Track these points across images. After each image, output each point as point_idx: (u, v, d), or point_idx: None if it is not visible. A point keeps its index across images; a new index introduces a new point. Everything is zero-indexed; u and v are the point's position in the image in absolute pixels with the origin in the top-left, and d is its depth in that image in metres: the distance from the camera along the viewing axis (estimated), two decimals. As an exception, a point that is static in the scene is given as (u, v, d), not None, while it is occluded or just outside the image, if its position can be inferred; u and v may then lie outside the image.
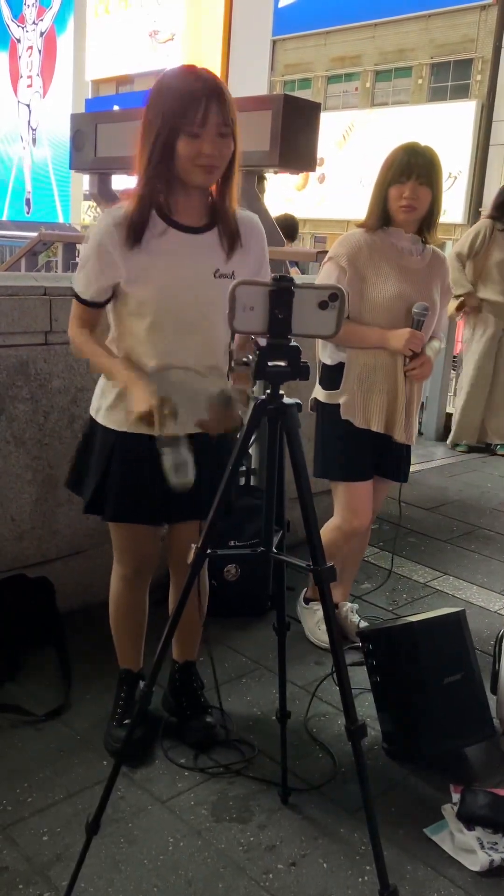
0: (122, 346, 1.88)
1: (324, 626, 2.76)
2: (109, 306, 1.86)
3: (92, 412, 1.98)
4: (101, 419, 1.93)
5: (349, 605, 2.86)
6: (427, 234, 2.50)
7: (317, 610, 2.80)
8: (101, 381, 1.95)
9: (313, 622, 2.78)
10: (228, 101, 1.69)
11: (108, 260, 1.76)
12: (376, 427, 2.50)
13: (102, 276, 1.79)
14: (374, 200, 2.45)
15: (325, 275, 2.47)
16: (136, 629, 2.19)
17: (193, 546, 1.58)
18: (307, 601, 2.87)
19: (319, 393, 2.59)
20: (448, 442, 5.50)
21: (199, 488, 1.84)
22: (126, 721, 2.14)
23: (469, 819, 1.93)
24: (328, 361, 2.55)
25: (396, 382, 2.48)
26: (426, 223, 2.48)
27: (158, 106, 1.68)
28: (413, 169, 2.36)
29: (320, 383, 2.60)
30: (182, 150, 1.68)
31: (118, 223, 1.74)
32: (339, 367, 2.51)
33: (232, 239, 1.83)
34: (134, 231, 1.74)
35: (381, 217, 2.45)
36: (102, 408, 1.93)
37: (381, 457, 2.59)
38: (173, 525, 2.09)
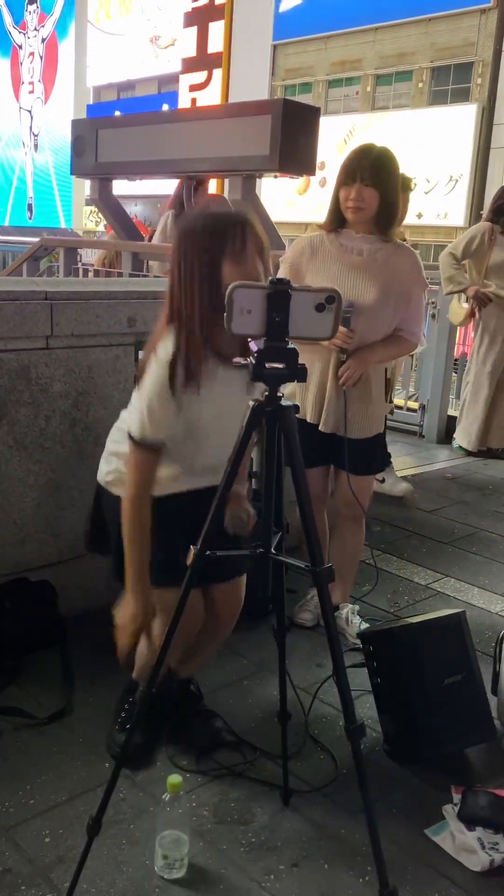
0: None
1: (304, 607, 2.86)
2: None
3: (101, 480, 1.98)
4: (114, 490, 1.92)
5: (350, 606, 2.87)
6: (384, 232, 2.54)
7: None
8: (118, 447, 1.93)
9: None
10: (257, 226, 1.75)
11: (172, 402, 1.75)
12: (310, 418, 2.63)
13: (167, 418, 1.77)
14: (331, 202, 2.54)
15: (280, 274, 2.54)
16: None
17: (192, 547, 1.59)
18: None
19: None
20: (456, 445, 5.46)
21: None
22: (128, 726, 2.11)
23: (470, 820, 1.93)
24: None
25: (327, 378, 2.59)
26: (381, 222, 2.51)
27: (195, 245, 1.71)
28: (358, 171, 2.44)
29: None
30: (229, 275, 1.67)
31: (174, 367, 1.73)
32: None
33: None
34: (191, 376, 1.73)
35: (337, 218, 2.54)
36: (112, 477, 1.93)
37: (331, 449, 2.67)
38: (215, 586, 2.06)
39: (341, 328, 2.43)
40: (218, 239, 1.69)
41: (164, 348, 1.75)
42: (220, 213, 1.78)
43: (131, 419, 1.81)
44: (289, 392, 2.58)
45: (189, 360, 1.73)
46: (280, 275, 2.47)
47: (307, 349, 2.47)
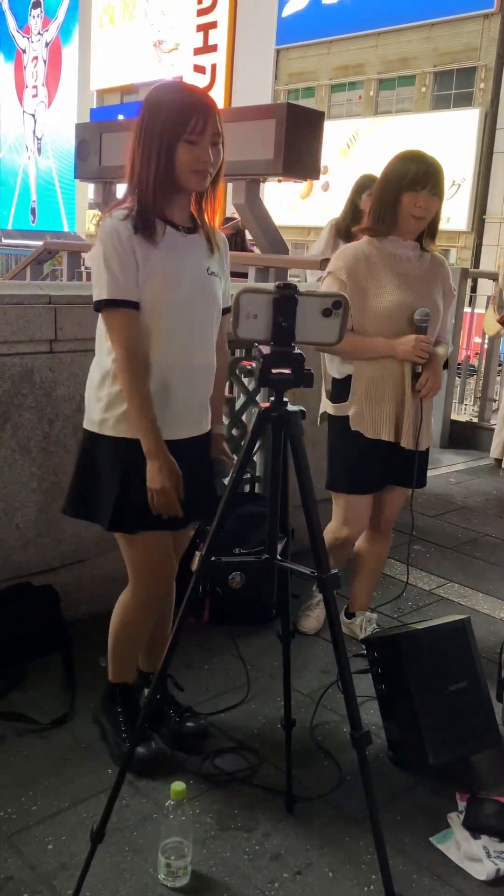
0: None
1: (309, 613, 2.83)
2: None
3: (92, 428, 1.92)
4: (109, 431, 1.89)
5: (367, 614, 2.87)
6: (428, 242, 2.51)
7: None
8: (103, 391, 1.89)
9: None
10: (219, 115, 1.83)
11: (130, 250, 1.79)
12: (386, 436, 2.51)
13: (129, 269, 1.79)
14: (384, 207, 2.43)
15: (326, 288, 2.47)
16: (140, 647, 2.17)
17: (198, 553, 1.58)
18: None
19: (328, 406, 2.61)
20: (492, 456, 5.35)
21: (200, 490, 1.95)
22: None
23: (475, 828, 1.92)
24: (336, 375, 2.56)
25: (403, 391, 2.49)
26: (428, 232, 2.49)
27: (158, 116, 1.78)
28: (429, 179, 2.38)
29: (329, 398, 2.61)
30: (182, 157, 1.79)
31: (124, 222, 1.80)
32: (348, 379, 2.52)
33: (210, 239, 1.94)
34: (142, 228, 1.80)
35: (389, 223, 2.45)
36: (111, 419, 1.88)
37: (394, 465, 2.58)
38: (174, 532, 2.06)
39: (420, 337, 2.40)
40: (181, 118, 1.76)
41: (116, 210, 1.83)
42: (189, 93, 1.83)
43: (95, 287, 1.82)
44: (354, 413, 2.50)
45: (142, 214, 1.80)
46: (333, 286, 2.43)
47: (377, 366, 2.47)
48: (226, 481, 1.91)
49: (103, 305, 1.80)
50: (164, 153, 1.78)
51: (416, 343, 2.40)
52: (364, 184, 4.07)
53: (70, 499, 2.01)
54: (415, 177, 2.37)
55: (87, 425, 1.94)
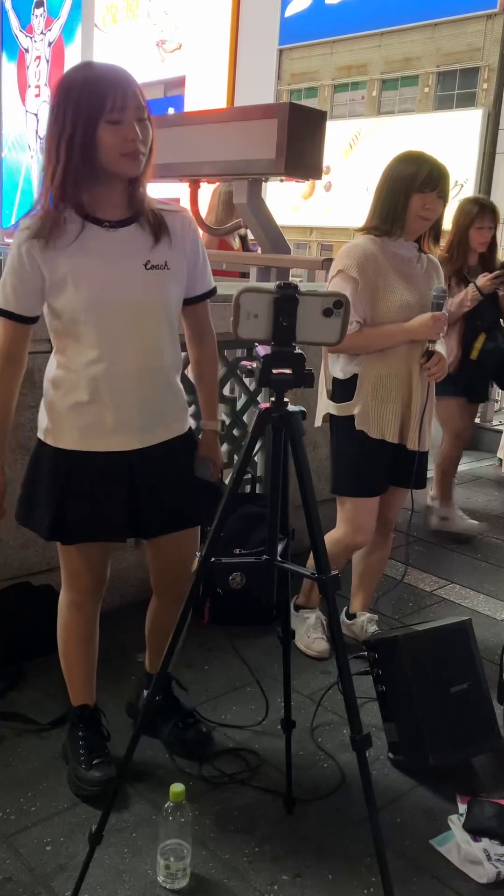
0: (66, 359, 1.79)
1: (313, 635, 2.75)
2: (48, 324, 1.79)
3: (39, 435, 1.88)
4: (49, 440, 1.83)
5: (368, 615, 2.85)
6: (430, 244, 2.51)
7: (307, 618, 2.79)
8: (46, 398, 1.84)
9: (303, 630, 2.76)
10: (138, 87, 1.64)
11: (30, 264, 1.68)
12: (391, 437, 2.49)
13: (27, 283, 1.70)
14: (391, 206, 2.41)
15: (336, 287, 2.44)
16: (90, 660, 2.09)
17: (198, 554, 1.58)
18: (297, 608, 2.86)
19: (331, 407, 2.57)
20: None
21: (169, 499, 1.89)
22: (95, 761, 1.98)
23: (476, 830, 1.91)
24: (340, 375, 2.53)
25: (410, 391, 2.48)
26: (432, 234, 2.49)
27: (69, 101, 1.60)
28: (439, 181, 2.38)
29: (331, 398, 2.58)
30: (106, 140, 1.61)
31: (33, 227, 1.67)
32: (352, 379, 2.50)
33: (156, 227, 1.75)
34: (50, 231, 1.65)
35: (399, 225, 2.43)
36: (50, 428, 1.83)
37: (396, 466, 2.57)
38: (152, 541, 1.99)
39: (437, 314, 2.38)
40: (96, 97, 1.58)
41: (27, 218, 1.70)
42: (101, 68, 1.65)
43: None
44: (359, 412, 2.48)
45: (47, 216, 1.66)
46: (345, 284, 2.39)
47: (384, 365, 2.45)
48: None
49: None
50: (80, 140, 1.59)
51: (434, 321, 2.39)
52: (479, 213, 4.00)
53: (20, 503, 1.96)
54: (426, 178, 2.36)
55: (38, 432, 1.91)
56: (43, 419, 1.86)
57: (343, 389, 2.53)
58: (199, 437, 2.02)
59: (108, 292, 1.72)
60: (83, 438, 1.80)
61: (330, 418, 2.61)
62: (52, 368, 1.83)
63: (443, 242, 3.74)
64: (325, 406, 2.62)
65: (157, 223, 1.75)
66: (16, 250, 1.69)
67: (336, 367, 2.55)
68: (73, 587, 2.02)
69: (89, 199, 1.70)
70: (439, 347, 2.51)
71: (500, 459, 5.25)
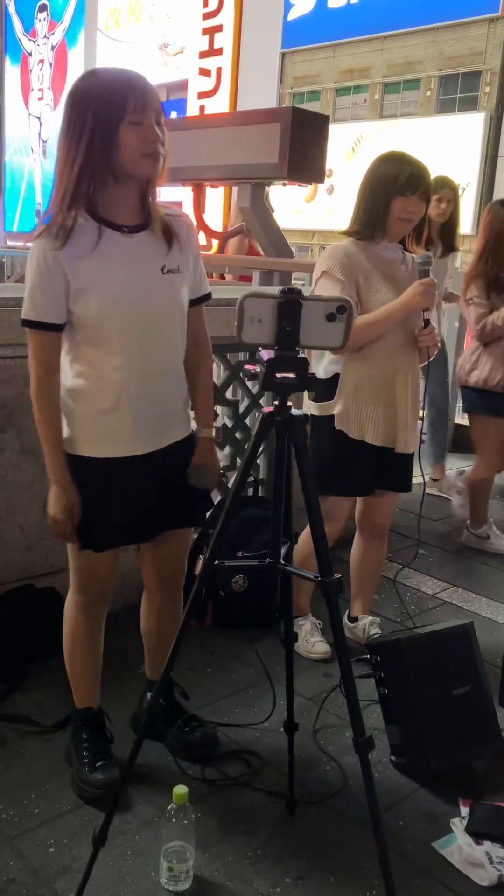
0: (86, 368, 1.78)
1: (312, 639, 2.75)
2: (66, 335, 1.78)
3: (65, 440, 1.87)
4: (72, 450, 1.83)
5: (370, 618, 2.86)
6: (413, 244, 2.50)
7: (302, 625, 2.79)
8: (65, 408, 1.83)
9: (301, 636, 2.76)
10: (155, 91, 1.67)
11: (56, 270, 1.67)
12: (371, 439, 2.49)
13: (54, 290, 1.69)
14: (373, 210, 2.41)
15: (322, 289, 2.43)
16: (95, 663, 2.10)
17: (202, 557, 1.59)
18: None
19: (312, 407, 2.56)
20: None
21: (172, 499, 1.92)
22: (98, 763, 1.99)
23: (478, 833, 1.91)
24: (322, 375, 2.52)
25: (395, 393, 2.47)
26: (415, 234, 2.48)
27: (88, 104, 1.62)
28: (420, 183, 2.36)
29: (313, 398, 2.57)
30: (127, 141, 1.62)
31: (53, 236, 1.66)
32: (334, 379, 2.50)
33: (167, 234, 1.77)
34: (68, 235, 1.65)
35: (380, 229, 2.43)
36: (73, 438, 1.83)
37: (381, 469, 2.57)
38: (150, 542, 2.02)
39: (425, 281, 2.36)
40: (117, 100, 1.60)
41: (46, 220, 1.69)
42: (121, 72, 1.67)
43: (23, 304, 1.73)
44: (339, 412, 2.47)
45: (65, 222, 1.65)
46: (331, 286, 2.39)
47: (365, 366, 2.44)
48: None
49: (22, 324, 1.74)
50: (101, 141, 1.60)
51: (424, 288, 2.36)
52: (433, 187, 4.04)
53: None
54: (407, 181, 2.35)
55: None
56: (63, 429, 1.84)
57: (324, 389, 2.52)
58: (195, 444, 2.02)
59: (132, 298, 1.73)
60: (105, 445, 1.82)
61: (311, 418, 2.59)
62: (68, 378, 1.80)
63: (465, 247, 3.73)
64: (307, 406, 2.61)
65: (167, 228, 1.77)
66: (39, 258, 1.67)
67: (318, 366, 2.55)
68: (85, 590, 2.01)
69: (104, 204, 1.70)
70: (434, 321, 2.48)
71: None
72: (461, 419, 5.98)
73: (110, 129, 1.61)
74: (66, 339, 1.79)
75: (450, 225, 4.14)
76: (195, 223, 2.17)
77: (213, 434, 2.02)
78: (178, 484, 1.93)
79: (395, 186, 2.36)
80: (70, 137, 1.64)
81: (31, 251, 1.70)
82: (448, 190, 4.05)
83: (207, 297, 1.95)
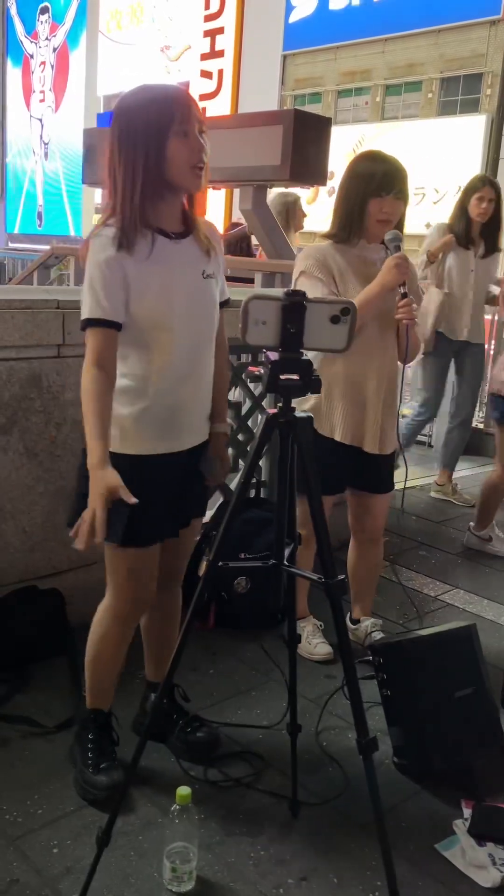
0: (130, 368, 1.82)
1: (314, 640, 2.76)
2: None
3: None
4: (115, 448, 1.81)
5: (371, 619, 2.86)
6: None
7: (303, 627, 2.79)
8: None
9: (303, 639, 2.76)
10: (196, 104, 1.76)
11: (119, 273, 1.73)
12: (340, 437, 2.49)
13: (115, 291, 1.74)
14: (349, 213, 2.41)
15: (302, 287, 2.41)
16: (118, 668, 2.09)
17: (205, 559, 1.59)
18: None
19: None
20: None
21: (195, 493, 1.99)
22: (103, 765, 2.01)
23: (481, 835, 1.91)
24: None
25: (366, 393, 2.48)
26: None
27: (138, 118, 1.70)
28: (395, 183, 2.35)
29: None
30: (175, 152, 1.70)
31: (113, 239, 1.73)
32: None
33: (206, 242, 1.87)
34: (133, 243, 1.73)
35: (357, 231, 2.42)
36: (116, 436, 1.83)
37: (360, 470, 2.57)
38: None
39: (398, 256, 2.34)
40: (164, 112, 1.69)
41: (103, 227, 1.75)
42: (164, 88, 1.76)
43: (82, 307, 1.77)
44: (309, 408, 2.46)
45: (127, 230, 1.72)
46: (312, 285, 2.38)
47: (336, 364, 2.43)
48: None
49: (84, 325, 1.77)
50: (153, 155, 1.69)
51: (395, 263, 2.34)
52: (474, 185, 4.05)
53: (72, 516, 1.93)
54: (380, 182, 2.35)
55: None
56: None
57: None
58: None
59: (182, 301, 1.81)
60: (148, 442, 1.86)
61: None
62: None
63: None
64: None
65: (206, 238, 1.87)
66: (101, 260, 1.73)
67: None
68: (126, 598, 1.98)
69: (154, 212, 1.77)
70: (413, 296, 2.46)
71: None
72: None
73: (159, 142, 1.69)
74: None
75: (493, 224, 4.11)
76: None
77: (228, 430, 2.09)
78: (193, 479, 1.99)
79: (370, 187, 2.36)
80: (125, 151, 1.72)
81: (91, 254, 1.76)
82: (489, 189, 4.02)
83: (228, 302, 2.02)
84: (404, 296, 2.39)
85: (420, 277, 4.11)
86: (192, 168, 1.72)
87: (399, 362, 2.55)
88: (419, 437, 5.88)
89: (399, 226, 2.45)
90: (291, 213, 5.10)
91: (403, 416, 4.59)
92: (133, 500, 1.65)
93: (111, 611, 2.01)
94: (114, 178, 1.74)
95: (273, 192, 4.60)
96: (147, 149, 1.69)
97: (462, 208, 4.11)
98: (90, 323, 1.76)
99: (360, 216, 2.39)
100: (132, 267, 1.74)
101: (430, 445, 5.84)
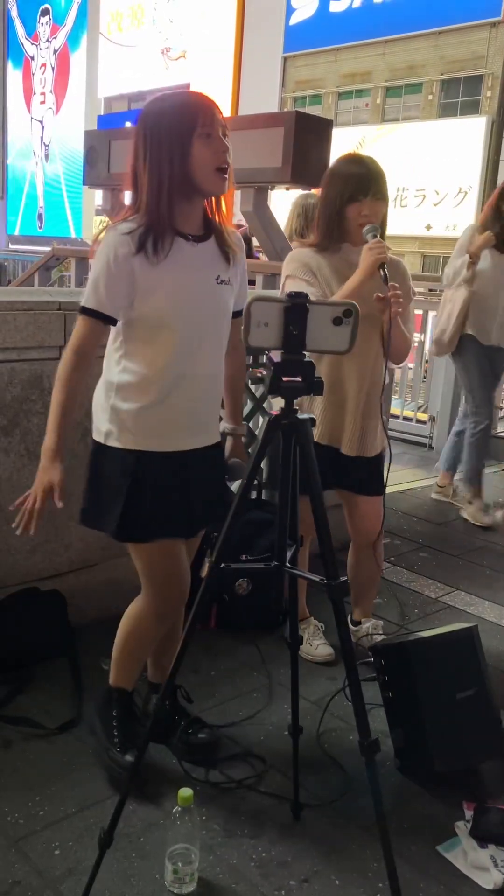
0: (137, 365, 1.85)
1: (315, 642, 2.76)
2: (118, 331, 1.86)
3: (99, 438, 1.93)
4: (114, 442, 1.89)
5: (373, 621, 2.86)
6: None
7: (304, 628, 2.79)
8: (109, 403, 1.90)
9: (304, 640, 2.76)
10: (219, 108, 1.78)
11: (125, 269, 1.75)
12: (317, 436, 2.49)
13: (120, 287, 1.77)
14: (329, 219, 2.40)
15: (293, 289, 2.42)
16: (146, 655, 2.15)
17: (207, 560, 1.59)
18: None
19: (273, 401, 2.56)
20: None
21: (212, 499, 1.96)
22: (129, 744, 2.06)
23: (482, 837, 1.92)
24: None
25: (344, 395, 2.48)
26: (380, 234, 2.44)
27: (163, 120, 1.74)
28: (370, 185, 2.34)
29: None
30: (199, 154, 1.73)
31: (129, 235, 1.75)
32: None
33: (227, 248, 1.88)
34: (152, 244, 1.75)
35: (338, 236, 2.41)
36: (115, 431, 1.89)
37: (344, 472, 2.57)
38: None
39: (370, 243, 2.32)
40: (189, 115, 1.72)
41: (122, 223, 1.78)
42: (189, 93, 1.79)
43: (84, 292, 1.82)
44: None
45: (153, 230, 1.75)
46: (298, 289, 2.41)
47: (327, 360, 2.41)
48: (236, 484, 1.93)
49: (79, 311, 1.83)
50: (178, 156, 1.72)
51: (370, 246, 2.31)
52: None
53: (82, 509, 2.02)
54: (355, 187, 2.34)
55: (94, 436, 1.95)
56: (103, 424, 1.92)
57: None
58: (227, 441, 2.12)
59: (191, 302, 1.83)
60: (151, 439, 1.88)
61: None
62: (114, 374, 1.88)
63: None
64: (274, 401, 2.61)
65: (227, 244, 1.88)
66: (112, 255, 1.75)
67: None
68: (164, 594, 2.01)
69: (177, 214, 1.79)
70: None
71: None
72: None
73: (185, 144, 1.72)
74: (118, 336, 1.87)
75: None
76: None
77: (244, 431, 2.12)
78: (208, 485, 1.98)
79: (345, 193, 2.35)
80: (151, 152, 1.74)
81: (103, 246, 1.78)
82: None
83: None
84: (385, 280, 2.33)
85: (464, 279, 4.11)
86: (216, 170, 1.75)
87: (392, 363, 2.54)
88: (419, 439, 5.90)
89: (382, 224, 2.42)
90: (311, 215, 5.10)
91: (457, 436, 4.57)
92: (60, 504, 1.78)
93: (149, 611, 2.04)
94: (138, 178, 1.77)
95: (295, 194, 4.58)
96: (172, 151, 1.72)
97: (497, 210, 4.05)
98: (83, 310, 1.82)
99: (340, 222, 2.39)
100: (144, 266, 1.76)
101: (430, 447, 5.84)
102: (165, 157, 1.73)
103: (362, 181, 2.34)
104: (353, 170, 2.37)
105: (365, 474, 2.61)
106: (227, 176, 1.78)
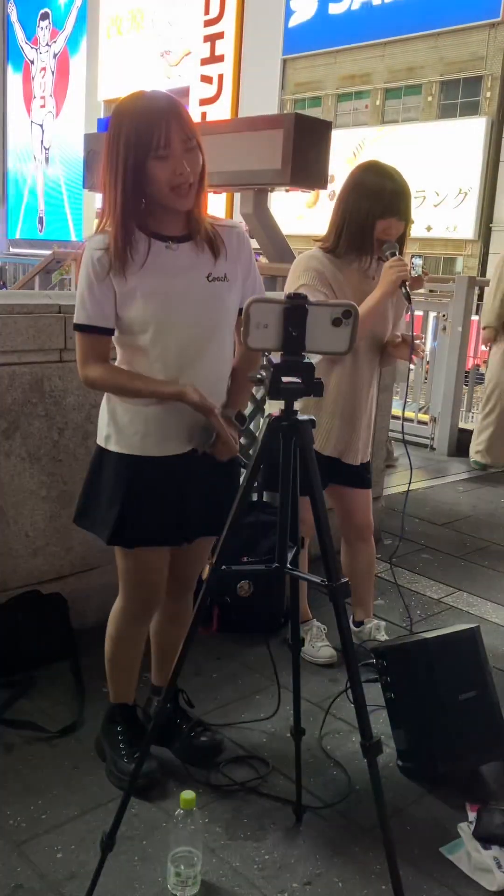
0: (132, 370, 1.86)
1: (317, 643, 2.76)
2: (115, 337, 1.86)
3: (100, 442, 1.93)
4: (112, 446, 1.89)
5: (375, 621, 2.86)
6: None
7: (307, 630, 2.79)
8: (108, 406, 1.91)
9: (306, 641, 2.76)
10: (185, 116, 1.72)
11: (105, 282, 1.76)
12: (319, 448, 2.50)
13: (103, 296, 1.78)
14: (354, 232, 2.39)
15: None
16: (136, 663, 2.13)
17: (208, 563, 1.59)
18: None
19: (273, 405, 2.56)
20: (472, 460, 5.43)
21: (211, 505, 1.91)
22: (136, 754, 2.01)
23: (486, 838, 1.91)
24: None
25: (358, 410, 2.52)
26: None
27: (120, 136, 1.70)
28: (401, 205, 2.37)
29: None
30: (156, 174, 1.70)
31: (103, 249, 1.75)
32: None
33: (212, 245, 1.84)
34: (124, 254, 1.74)
35: (360, 248, 2.41)
36: (113, 435, 1.88)
37: (334, 470, 2.59)
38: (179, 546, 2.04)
39: (393, 260, 2.36)
40: (143, 139, 1.67)
41: (99, 233, 1.78)
42: (148, 102, 1.71)
43: (77, 310, 1.83)
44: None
45: (118, 237, 1.74)
46: (305, 290, 2.40)
47: (340, 374, 2.44)
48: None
49: (74, 329, 1.84)
50: (131, 175, 1.70)
51: (391, 264, 2.35)
52: None
53: (77, 508, 2.03)
54: (388, 204, 2.35)
55: (97, 439, 1.95)
56: (104, 427, 1.92)
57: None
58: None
59: (177, 304, 1.80)
60: (146, 444, 1.87)
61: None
62: None
63: (467, 251, 3.77)
64: (271, 404, 2.60)
65: (212, 239, 1.84)
66: (90, 269, 1.77)
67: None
68: (134, 598, 2.03)
69: (154, 218, 1.78)
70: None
71: None
72: (464, 424, 5.99)
73: (139, 164, 1.69)
74: (115, 343, 1.88)
75: None
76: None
77: (233, 415, 2.02)
78: (211, 492, 1.94)
79: (376, 208, 2.35)
80: (108, 165, 1.73)
81: (83, 260, 1.79)
82: None
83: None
84: (407, 298, 2.40)
85: None
86: (172, 189, 1.71)
87: (404, 361, 2.61)
88: (421, 440, 5.89)
89: (400, 242, 2.44)
90: None
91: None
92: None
93: (121, 612, 2.06)
94: (106, 189, 1.76)
95: (295, 195, 4.61)
96: (125, 169, 1.69)
97: None
98: (76, 327, 1.84)
99: (367, 235, 2.39)
100: (119, 275, 1.76)
101: (432, 448, 5.83)
102: (121, 174, 1.71)
103: (395, 199, 2.36)
104: (387, 186, 2.36)
105: (354, 469, 2.63)
106: (184, 193, 1.73)
